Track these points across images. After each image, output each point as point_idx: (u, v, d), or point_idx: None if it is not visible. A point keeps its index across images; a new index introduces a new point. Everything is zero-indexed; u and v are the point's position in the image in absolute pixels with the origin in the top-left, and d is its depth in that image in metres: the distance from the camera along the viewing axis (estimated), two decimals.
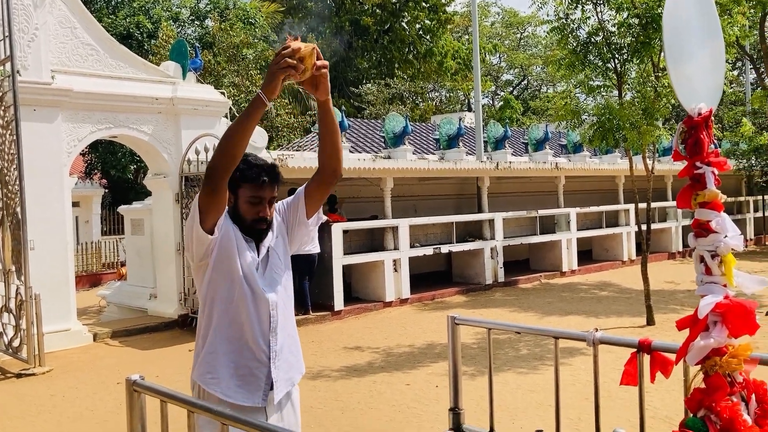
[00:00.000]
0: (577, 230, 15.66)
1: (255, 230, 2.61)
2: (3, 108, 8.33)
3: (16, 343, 8.36)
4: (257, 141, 11.61)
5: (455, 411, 2.87)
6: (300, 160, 10.62)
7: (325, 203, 12.29)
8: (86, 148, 21.60)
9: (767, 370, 1.79)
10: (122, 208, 12.84)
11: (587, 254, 16.90)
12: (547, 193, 16.23)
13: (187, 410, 1.81)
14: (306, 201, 2.71)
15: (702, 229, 1.49)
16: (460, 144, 14.66)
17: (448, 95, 37.78)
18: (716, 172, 1.48)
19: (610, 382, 2.44)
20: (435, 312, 11.36)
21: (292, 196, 2.76)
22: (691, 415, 1.48)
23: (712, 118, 1.50)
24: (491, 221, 13.95)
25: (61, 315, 9.43)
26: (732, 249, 1.47)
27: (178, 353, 8.97)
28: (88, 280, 19.74)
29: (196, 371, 2.60)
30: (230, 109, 11.54)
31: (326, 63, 2.38)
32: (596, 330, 2.40)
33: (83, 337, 9.70)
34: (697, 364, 1.50)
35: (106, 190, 23.62)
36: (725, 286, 1.48)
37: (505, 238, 14.13)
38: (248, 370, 2.55)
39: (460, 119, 15.25)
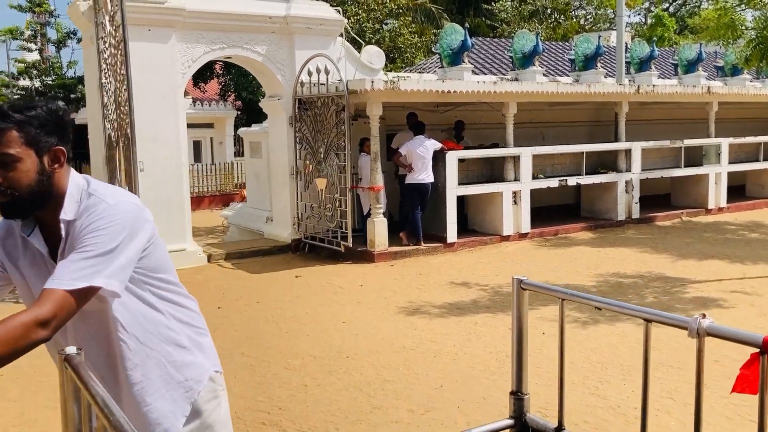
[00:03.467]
0: (729, 163, 13.98)
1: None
2: (114, 27, 8.29)
3: None
4: (374, 63, 11.09)
5: (517, 396, 2.29)
6: (413, 82, 9.96)
7: (453, 128, 11.74)
8: (221, 70, 22.11)
9: None
10: (242, 131, 12.89)
11: (739, 190, 15.12)
12: (696, 121, 14.53)
13: None
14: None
15: None
16: (599, 65, 13.32)
17: (595, 13, 34.94)
18: None
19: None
20: (556, 249, 10.56)
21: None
22: None
23: None
24: (628, 151, 12.69)
25: (177, 235, 9.63)
26: None
27: (285, 279, 8.91)
28: (221, 199, 20.53)
29: None
30: (345, 28, 11.02)
31: None
32: (703, 316, 1.72)
33: (198, 258, 9.89)
34: None
35: (239, 112, 24.18)
36: None
37: (643, 170, 12.85)
38: None
39: (599, 37, 13.82)
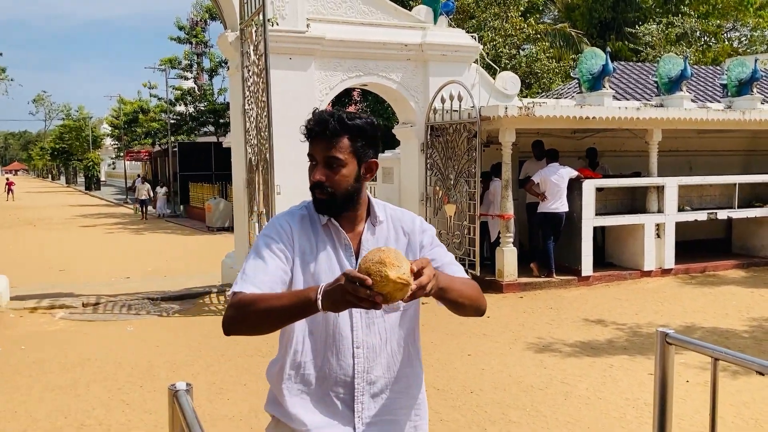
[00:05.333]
0: None
1: (316, 201, 2.00)
2: (257, 56, 8.68)
3: None
4: (508, 89, 10.90)
5: None
6: (549, 108, 9.63)
7: (585, 156, 11.28)
8: (358, 96, 22.67)
9: None
10: None
11: None
12: None
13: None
14: None
15: None
16: (755, 90, 12.32)
17: (750, 35, 32.59)
18: None
19: None
20: (702, 287, 9.79)
21: (442, 265, 2.05)
22: None
23: None
24: None
25: None
26: None
27: None
28: None
29: (271, 404, 2.10)
30: (481, 55, 10.90)
31: (427, 285, 1.69)
32: None
33: None
34: None
35: None
36: None
37: None
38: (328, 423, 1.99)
39: (756, 61, 12.80)
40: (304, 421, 1.97)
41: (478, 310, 2.03)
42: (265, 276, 1.93)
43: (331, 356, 1.97)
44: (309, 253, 2.00)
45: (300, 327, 1.99)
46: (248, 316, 1.83)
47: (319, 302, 1.70)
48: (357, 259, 2.01)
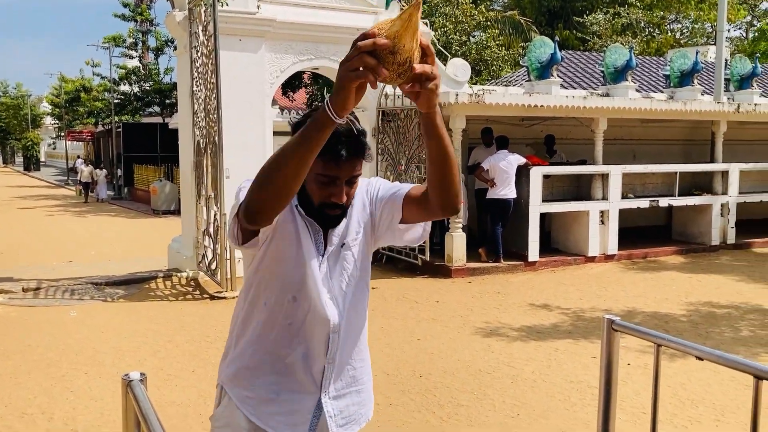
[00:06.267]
0: None
1: (324, 217, 1.93)
2: (206, 37, 8.51)
3: (213, 266, 8.78)
4: (459, 75, 10.94)
5: None
6: (498, 96, 9.75)
7: (543, 143, 11.45)
8: (309, 80, 22.45)
9: None
10: None
11: None
12: None
13: None
14: (405, 210, 1.94)
15: None
16: (695, 81, 12.71)
17: (691, 27, 33.55)
18: None
19: None
20: (644, 273, 10.10)
21: (390, 193, 1.97)
22: None
23: None
24: (725, 173, 12.04)
25: None
26: None
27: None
28: None
29: (225, 373, 2.07)
30: (432, 41, 10.91)
31: (430, 63, 1.51)
32: None
33: None
34: None
35: None
36: None
37: (740, 193, 12.16)
38: (291, 397, 1.98)
39: (697, 53, 13.19)
40: (268, 381, 1.97)
41: (455, 190, 1.76)
42: None
43: (306, 328, 1.96)
44: (290, 222, 1.94)
45: (280, 287, 1.95)
46: (267, 173, 1.63)
47: (327, 101, 1.52)
48: (326, 244, 1.97)
